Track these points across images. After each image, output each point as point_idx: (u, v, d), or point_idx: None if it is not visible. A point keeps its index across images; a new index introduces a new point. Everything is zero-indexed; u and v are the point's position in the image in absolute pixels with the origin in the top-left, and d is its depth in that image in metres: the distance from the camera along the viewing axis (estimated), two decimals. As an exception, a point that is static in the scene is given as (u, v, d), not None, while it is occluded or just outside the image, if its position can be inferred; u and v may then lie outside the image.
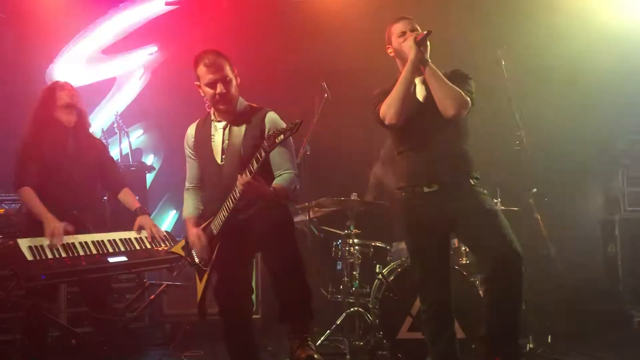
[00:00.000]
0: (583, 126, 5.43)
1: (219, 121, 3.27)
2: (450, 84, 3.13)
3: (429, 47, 3.20)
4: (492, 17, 5.73)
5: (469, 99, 3.14)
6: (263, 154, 2.84)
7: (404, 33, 3.25)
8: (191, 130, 3.41)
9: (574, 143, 5.41)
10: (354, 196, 4.65)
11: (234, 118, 3.23)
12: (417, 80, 3.25)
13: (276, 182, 3.14)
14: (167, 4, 6.14)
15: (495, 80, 4.42)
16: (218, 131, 3.26)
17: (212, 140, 3.26)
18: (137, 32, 6.15)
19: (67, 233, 3.60)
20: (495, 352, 3.08)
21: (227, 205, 3.09)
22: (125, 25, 6.11)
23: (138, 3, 6.13)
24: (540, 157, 4.72)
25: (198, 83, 3.25)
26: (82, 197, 3.87)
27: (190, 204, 3.43)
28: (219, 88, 3.14)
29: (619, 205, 5.21)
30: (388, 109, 3.16)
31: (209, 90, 3.18)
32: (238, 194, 3.01)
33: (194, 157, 3.40)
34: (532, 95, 5.11)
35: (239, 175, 2.93)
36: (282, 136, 2.77)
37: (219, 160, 3.22)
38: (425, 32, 3.16)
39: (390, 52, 3.35)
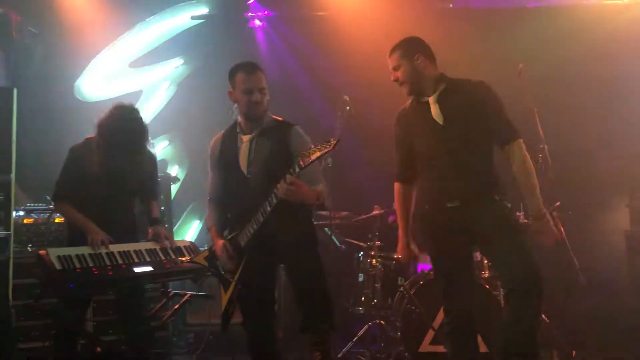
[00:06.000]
0: (607, 138, 5.39)
1: (245, 133, 3.31)
2: (529, 180, 3.12)
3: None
4: (513, 30, 5.73)
5: (517, 134, 3.15)
6: (297, 169, 2.87)
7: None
8: (216, 142, 3.43)
9: (598, 156, 5.37)
10: (376, 209, 4.67)
11: (260, 131, 3.27)
12: (431, 100, 3.19)
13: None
14: (193, 17, 6.25)
15: (517, 93, 4.41)
16: (244, 143, 3.29)
17: (239, 152, 3.30)
18: (164, 45, 6.28)
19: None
20: None
21: (257, 218, 3.12)
22: (152, 38, 6.24)
23: (165, 17, 6.26)
24: (563, 170, 4.70)
25: (231, 90, 3.29)
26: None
27: (214, 214, 3.45)
28: (255, 96, 3.19)
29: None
30: None
31: (244, 97, 3.21)
32: (269, 208, 3.03)
33: (218, 168, 3.42)
34: (555, 108, 5.08)
35: (285, 177, 2.90)
36: (319, 153, 2.80)
37: (245, 172, 3.26)
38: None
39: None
